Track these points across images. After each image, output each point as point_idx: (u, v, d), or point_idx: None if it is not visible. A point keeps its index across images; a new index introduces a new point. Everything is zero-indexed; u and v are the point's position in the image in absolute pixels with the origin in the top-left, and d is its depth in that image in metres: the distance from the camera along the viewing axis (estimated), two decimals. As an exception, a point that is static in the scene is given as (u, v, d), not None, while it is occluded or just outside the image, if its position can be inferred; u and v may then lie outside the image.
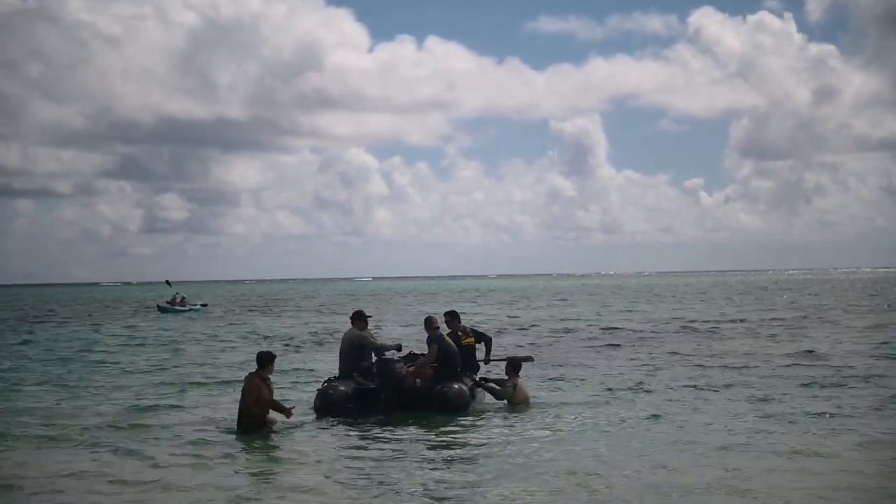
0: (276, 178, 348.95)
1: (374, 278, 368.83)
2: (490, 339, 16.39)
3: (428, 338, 15.19)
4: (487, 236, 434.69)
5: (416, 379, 14.81)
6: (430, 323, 15.45)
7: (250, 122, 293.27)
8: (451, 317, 15.79)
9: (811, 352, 23.84)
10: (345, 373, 15.27)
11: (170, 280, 66.76)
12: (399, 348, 15.87)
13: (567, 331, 35.09)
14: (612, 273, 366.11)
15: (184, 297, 59.13)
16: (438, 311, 20.17)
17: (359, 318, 15.56)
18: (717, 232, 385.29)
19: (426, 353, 15.18)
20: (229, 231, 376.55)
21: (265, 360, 13.33)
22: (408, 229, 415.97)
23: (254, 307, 68.16)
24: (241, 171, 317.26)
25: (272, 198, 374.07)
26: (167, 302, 57.96)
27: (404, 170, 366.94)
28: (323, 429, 13.63)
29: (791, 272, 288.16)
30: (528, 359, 17.42)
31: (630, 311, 50.87)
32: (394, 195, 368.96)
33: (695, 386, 17.65)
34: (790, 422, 13.60)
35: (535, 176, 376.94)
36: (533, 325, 38.69)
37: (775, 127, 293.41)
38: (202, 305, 60.66)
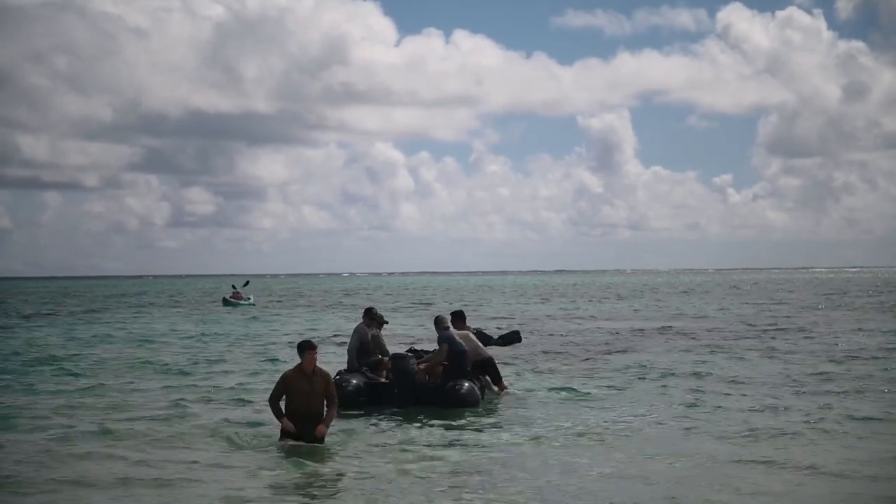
0: (303, 173, 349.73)
1: (402, 273, 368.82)
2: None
3: (438, 337, 15.65)
4: (513, 232, 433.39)
5: (426, 375, 15.42)
6: (440, 323, 15.86)
7: (277, 115, 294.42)
8: (457, 317, 16.26)
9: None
10: (354, 366, 15.76)
11: (234, 284, 68.65)
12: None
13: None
14: (649, 269, 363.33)
15: (239, 292, 64.46)
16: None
17: (371, 317, 16.09)
18: (744, 229, 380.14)
19: (432, 351, 15.78)
20: (256, 225, 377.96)
21: (299, 351, 12.16)
22: (434, 225, 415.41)
23: (311, 302, 69.97)
24: (267, 165, 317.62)
25: (299, 192, 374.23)
26: (231, 292, 63.96)
27: (431, 165, 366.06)
28: (339, 420, 13.94)
29: (819, 270, 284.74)
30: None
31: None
32: (420, 190, 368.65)
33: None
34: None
35: (563, 172, 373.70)
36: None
37: (804, 124, 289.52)
38: (251, 304, 62.56)
